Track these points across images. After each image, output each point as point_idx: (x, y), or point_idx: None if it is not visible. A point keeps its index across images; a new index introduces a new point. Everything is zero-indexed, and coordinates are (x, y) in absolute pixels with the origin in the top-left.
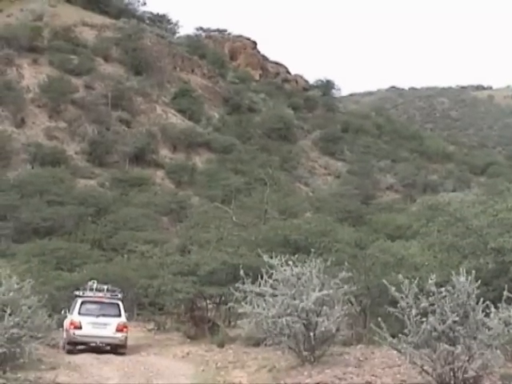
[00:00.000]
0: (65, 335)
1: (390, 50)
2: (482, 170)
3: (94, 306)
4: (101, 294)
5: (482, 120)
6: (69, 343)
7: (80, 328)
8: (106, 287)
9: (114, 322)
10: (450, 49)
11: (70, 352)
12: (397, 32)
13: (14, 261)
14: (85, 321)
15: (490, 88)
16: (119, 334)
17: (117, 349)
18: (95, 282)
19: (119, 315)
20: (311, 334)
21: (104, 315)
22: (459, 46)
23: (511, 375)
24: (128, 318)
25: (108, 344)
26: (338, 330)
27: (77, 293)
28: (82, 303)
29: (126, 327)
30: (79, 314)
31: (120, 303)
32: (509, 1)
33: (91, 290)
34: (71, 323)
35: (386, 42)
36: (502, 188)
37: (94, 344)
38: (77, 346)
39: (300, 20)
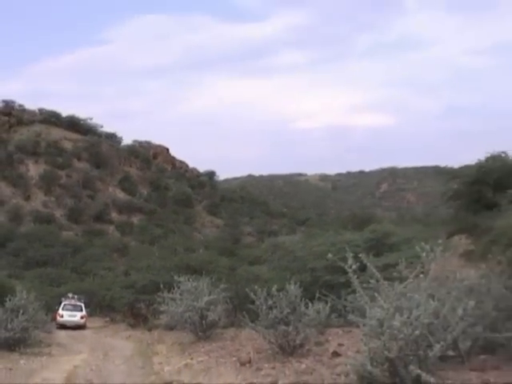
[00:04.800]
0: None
1: (249, 150)
2: (302, 222)
3: (69, 306)
4: (73, 300)
5: (302, 193)
6: (57, 324)
7: (62, 317)
8: (76, 296)
9: (79, 314)
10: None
11: (59, 329)
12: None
13: (24, 281)
14: (65, 313)
15: (306, 175)
16: (82, 320)
17: (82, 327)
18: (71, 293)
19: (82, 310)
20: (203, 322)
21: (74, 310)
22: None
23: (320, 342)
24: (93, 315)
25: (76, 325)
26: (219, 319)
27: (62, 299)
28: (64, 304)
29: (85, 316)
30: (62, 309)
31: (82, 304)
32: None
33: (68, 297)
34: (58, 314)
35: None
36: (314, 233)
37: (69, 325)
38: (62, 326)
39: (200, 131)
